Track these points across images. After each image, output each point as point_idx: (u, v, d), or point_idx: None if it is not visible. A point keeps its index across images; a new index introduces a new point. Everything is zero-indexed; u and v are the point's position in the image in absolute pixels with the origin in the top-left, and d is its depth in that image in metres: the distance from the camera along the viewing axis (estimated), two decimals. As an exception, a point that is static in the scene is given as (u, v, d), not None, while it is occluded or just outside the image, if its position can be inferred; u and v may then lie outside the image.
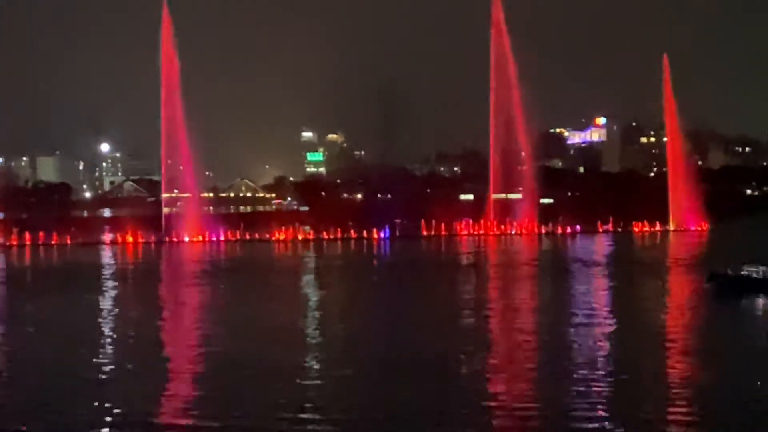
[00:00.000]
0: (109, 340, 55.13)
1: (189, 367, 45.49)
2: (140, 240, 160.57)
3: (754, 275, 70.89)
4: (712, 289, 71.54)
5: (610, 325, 57.47)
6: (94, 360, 46.49)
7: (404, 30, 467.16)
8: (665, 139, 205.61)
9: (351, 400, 37.29)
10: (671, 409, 34.27)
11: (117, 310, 69.20)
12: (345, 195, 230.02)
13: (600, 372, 41.82)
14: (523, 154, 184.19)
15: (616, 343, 50.67)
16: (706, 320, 60.64)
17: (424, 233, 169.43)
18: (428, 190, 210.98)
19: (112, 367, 45.11)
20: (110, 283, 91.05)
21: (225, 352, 48.50)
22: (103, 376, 42.58)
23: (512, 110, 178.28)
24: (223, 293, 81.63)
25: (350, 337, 54.90)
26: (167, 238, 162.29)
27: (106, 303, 73.51)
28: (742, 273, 72.30)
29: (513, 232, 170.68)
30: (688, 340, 51.89)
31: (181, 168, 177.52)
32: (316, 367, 44.75)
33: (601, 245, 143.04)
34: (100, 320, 63.16)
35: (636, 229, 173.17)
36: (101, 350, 50.53)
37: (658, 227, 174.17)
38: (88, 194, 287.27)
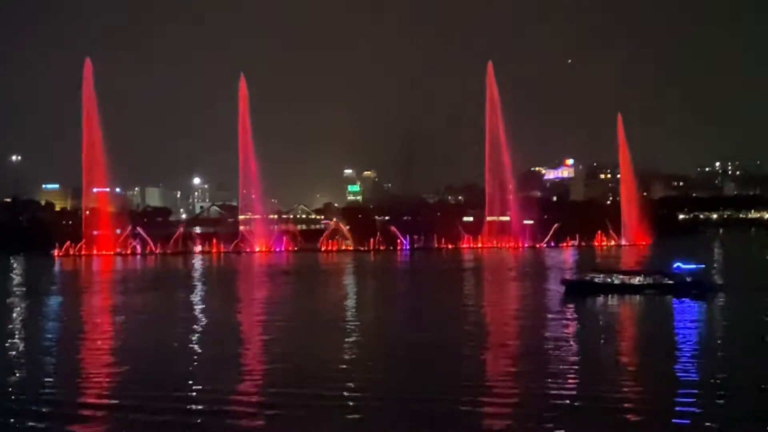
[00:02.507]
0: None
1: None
2: (222, 250, 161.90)
3: (596, 280, 70.12)
4: (565, 290, 69.56)
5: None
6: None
7: (422, 92, 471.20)
8: (619, 176, 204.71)
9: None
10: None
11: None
12: (376, 217, 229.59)
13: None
14: (510, 186, 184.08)
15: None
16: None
17: (436, 246, 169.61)
18: (438, 214, 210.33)
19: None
20: (203, 284, 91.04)
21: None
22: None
23: (502, 154, 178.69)
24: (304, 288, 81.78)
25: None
26: (244, 249, 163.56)
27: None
28: (586, 278, 71.57)
29: (504, 246, 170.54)
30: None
31: (253, 197, 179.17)
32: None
33: (567, 256, 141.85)
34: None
35: (596, 244, 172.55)
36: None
37: (612, 242, 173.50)
38: (183, 216, 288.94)
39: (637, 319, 56.72)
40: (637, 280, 69.08)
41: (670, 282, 67.89)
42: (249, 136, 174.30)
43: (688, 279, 68.53)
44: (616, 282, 69.14)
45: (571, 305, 61.89)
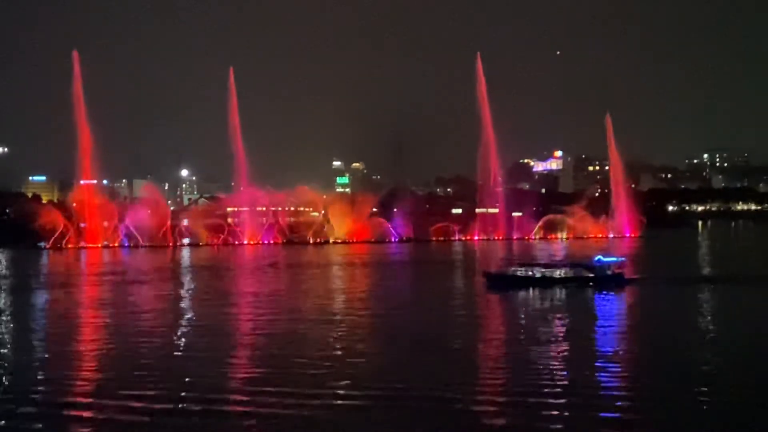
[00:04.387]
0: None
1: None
2: (210, 243, 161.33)
3: (518, 273, 70.21)
4: (486, 283, 69.67)
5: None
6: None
7: (414, 85, 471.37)
8: (608, 168, 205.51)
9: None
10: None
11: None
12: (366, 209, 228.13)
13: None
14: (499, 179, 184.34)
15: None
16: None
17: (425, 238, 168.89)
18: (428, 206, 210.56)
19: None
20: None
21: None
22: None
23: (492, 147, 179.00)
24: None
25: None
26: (233, 241, 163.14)
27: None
28: (509, 272, 71.61)
29: (493, 237, 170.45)
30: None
31: (242, 189, 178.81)
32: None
33: (556, 248, 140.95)
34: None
35: (585, 237, 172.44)
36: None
37: (602, 235, 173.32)
38: (171, 208, 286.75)
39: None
40: (558, 274, 68.97)
41: (591, 275, 68.03)
42: (238, 128, 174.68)
43: (609, 272, 68.84)
44: (538, 275, 69.00)
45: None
